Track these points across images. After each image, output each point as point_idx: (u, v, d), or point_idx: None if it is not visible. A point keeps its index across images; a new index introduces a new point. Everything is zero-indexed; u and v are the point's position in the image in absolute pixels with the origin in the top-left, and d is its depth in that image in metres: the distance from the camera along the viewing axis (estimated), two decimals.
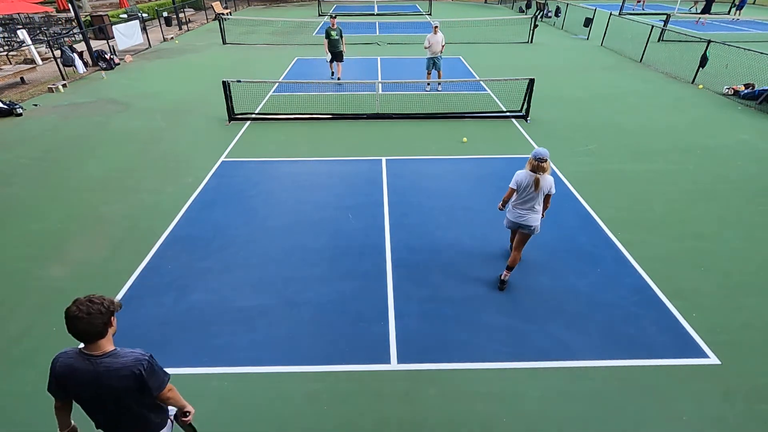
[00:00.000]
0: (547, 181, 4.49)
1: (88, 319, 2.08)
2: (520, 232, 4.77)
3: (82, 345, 2.19)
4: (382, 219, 6.22)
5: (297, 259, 5.41)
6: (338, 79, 13.12)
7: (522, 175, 4.55)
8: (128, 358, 2.23)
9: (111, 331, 2.22)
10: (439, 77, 11.77)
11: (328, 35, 12.30)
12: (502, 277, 4.91)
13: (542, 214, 4.72)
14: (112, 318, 2.20)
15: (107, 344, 2.21)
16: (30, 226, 6.12)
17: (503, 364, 4.04)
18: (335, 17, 12.77)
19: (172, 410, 2.68)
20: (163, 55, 16.52)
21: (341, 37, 12.41)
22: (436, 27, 11.16)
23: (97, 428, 2.48)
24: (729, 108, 10.62)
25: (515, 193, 4.62)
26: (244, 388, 3.82)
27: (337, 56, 12.60)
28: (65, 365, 2.21)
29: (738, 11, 23.71)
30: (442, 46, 11.38)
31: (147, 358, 2.28)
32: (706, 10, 23.26)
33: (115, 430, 2.47)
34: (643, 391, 3.77)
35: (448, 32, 11.42)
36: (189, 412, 2.60)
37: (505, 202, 4.77)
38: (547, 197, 4.60)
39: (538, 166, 4.42)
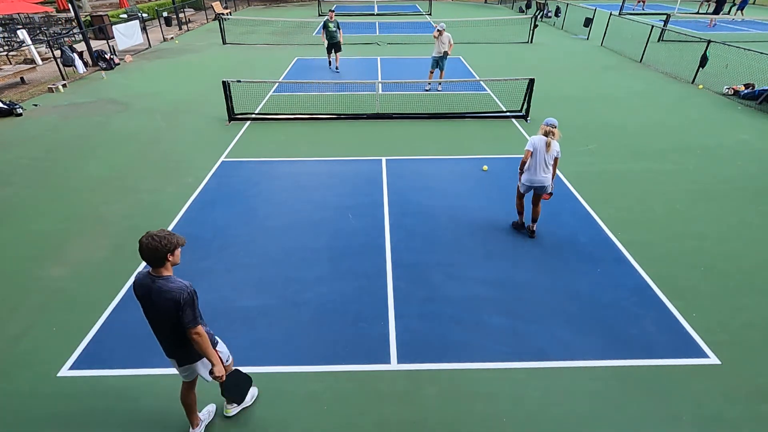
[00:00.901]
0: (556, 145, 5.37)
1: (148, 251, 2.64)
2: (535, 193, 5.60)
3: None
4: (382, 219, 6.22)
5: (297, 259, 5.41)
6: (336, 68, 13.50)
7: (536, 138, 5.39)
8: (175, 285, 2.73)
9: (170, 262, 2.75)
10: (440, 77, 11.76)
11: (326, 26, 13.07)
12: (533, 228, 5.79)
13: (551, 185, 5.53)
14: (169, 255, 2.70)
15: (165, 271, 2.76)
16: (30, 226, 6.12)
17: (503, 364, 4.04)
18: (334, 11, 13.62)
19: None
20: (163, 55, 16.52)
21: (339, 29, 13.21)
22: (441, 31, 11.06)
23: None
24: (729, 108, 10.62)
25: (530, 156, 5.39)
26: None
27: (334, 47, 13.38)
28: (137, 279, 2.85)
29: (738, 11, 23.68)
30: (450, 45, 11.31)
31: (189, 290, 2.75)
32: (716, 11, 23.22)
33: (166, 350, 3.04)
34: (643, 391, 3.77)
35: (448, 32, 11.37)
36: (213, 370, 2.97)
37: (523, 164, 5.50)
38: (555, 160, 5.42)
39: (549, 131, 5.33)
